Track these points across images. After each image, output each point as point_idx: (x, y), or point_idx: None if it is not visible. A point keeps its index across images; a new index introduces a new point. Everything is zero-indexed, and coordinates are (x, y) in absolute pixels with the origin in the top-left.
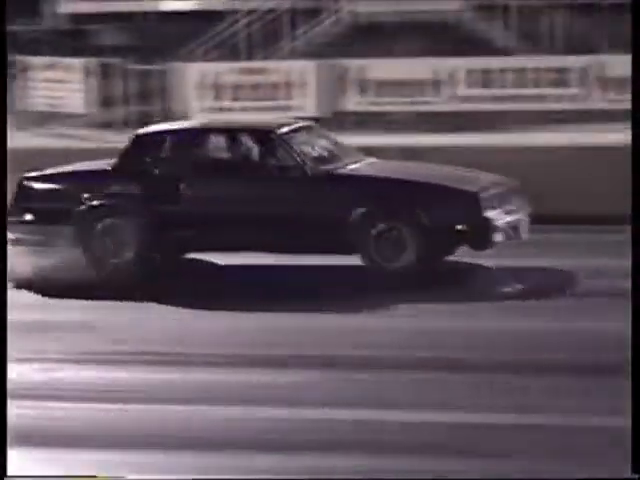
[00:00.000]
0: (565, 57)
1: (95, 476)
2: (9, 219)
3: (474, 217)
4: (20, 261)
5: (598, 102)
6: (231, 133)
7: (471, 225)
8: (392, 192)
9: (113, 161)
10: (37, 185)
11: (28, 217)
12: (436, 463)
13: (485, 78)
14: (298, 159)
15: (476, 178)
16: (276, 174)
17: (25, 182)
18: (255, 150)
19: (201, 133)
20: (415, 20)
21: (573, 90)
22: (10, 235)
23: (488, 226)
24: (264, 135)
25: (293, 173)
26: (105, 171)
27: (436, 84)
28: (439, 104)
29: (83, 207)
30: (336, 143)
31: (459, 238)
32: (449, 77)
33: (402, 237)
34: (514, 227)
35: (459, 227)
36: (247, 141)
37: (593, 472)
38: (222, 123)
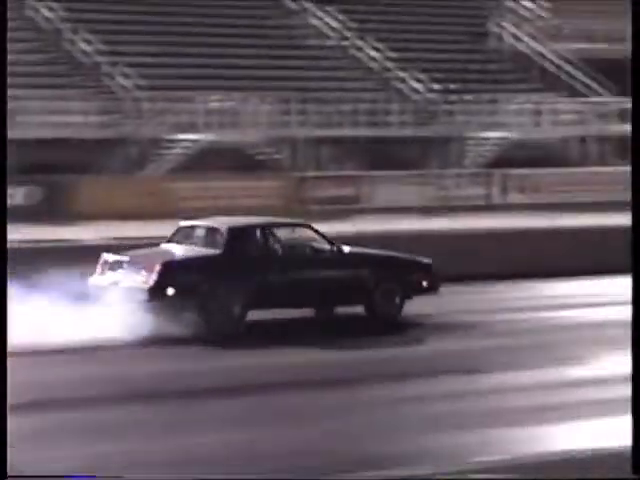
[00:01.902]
0: None
1: (95, 476)
2: (153, 293)
3: (432, 276)
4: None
5: None
6: (284, 227)
7: (431, 281)
8: (390, 262)
9: (219, 248)
10: (175, 267)
11: (170, 291)
12: None
13: None
14: (333, 243)
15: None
16: (327, 254)
17: (167, 265)
18: (303, 238)
19: (268, 227)
20: None
21: None
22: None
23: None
24: (306, 227)
25: (332, 253)
26: (217, 256)
27: None
28: None
29: (208, 283)
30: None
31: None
32: None
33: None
34: None
35: (425, 283)
36: (299, 232)
37: None
38: (279, 220)
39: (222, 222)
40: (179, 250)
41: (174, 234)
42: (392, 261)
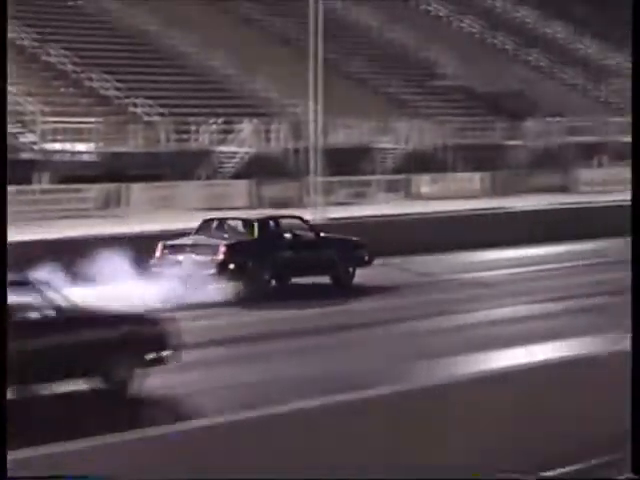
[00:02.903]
0: None
1: (94, 476)
2: (220, 268)
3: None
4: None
5: None
6: (284, 218)
7: (370, 256)
8: (347, 243)
9: (255, 235)
10: (233, 250)
11: (231, 266)
12: None
13: None
14: (315, 231)
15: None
16: (313, 239)
17: (229, 248)
18: (295, 227)
19: (276, 218)
20: None
21: None
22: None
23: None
24: (298, 219)
25: (316, 238)
26: (252, 241)
27: None
28: None
29: (251, 261)
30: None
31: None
32: None
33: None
34: None
35: (366, 258)
36: (292, 222)
37: None
38: (281, 212)
39: (249, 216)
40: (226, 237)
41: (201, 226)
42: (347, 242)
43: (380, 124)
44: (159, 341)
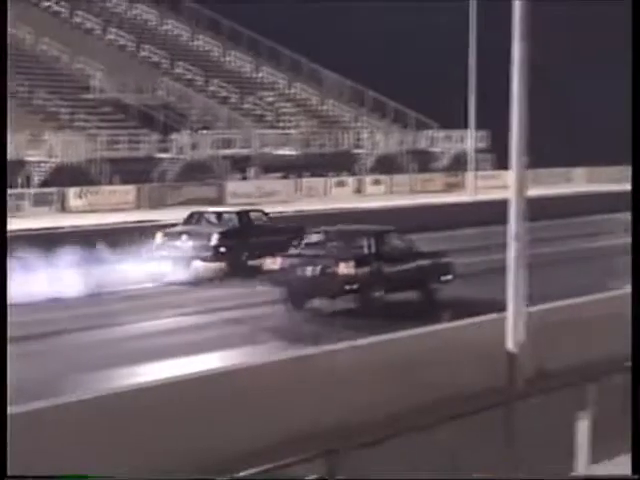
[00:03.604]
0: None
1: (94, 476)
2: (214, 251)
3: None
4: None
5: None
6: (249, 212)
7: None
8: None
9: (236, 225)
10: (223, 236)
11: (222, 250)
12: None
13: None
14: (272, 220)
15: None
16: (272, 226)
17: (220, 234)
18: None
19: (246, 212)
20: None
21: None
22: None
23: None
24: (262, 213)
25: (272, 226)
26: (234, 229)
27: None
28: None
29: (234, 245)
30: None
31: None
32: None
33: None
34: None
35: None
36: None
37: None
38: (247, 208)
39: (225, 210)
40: (207, 227)
41: (188, 218)
42: (288, 229)
43: (30, 137)
44: (448, 268)
